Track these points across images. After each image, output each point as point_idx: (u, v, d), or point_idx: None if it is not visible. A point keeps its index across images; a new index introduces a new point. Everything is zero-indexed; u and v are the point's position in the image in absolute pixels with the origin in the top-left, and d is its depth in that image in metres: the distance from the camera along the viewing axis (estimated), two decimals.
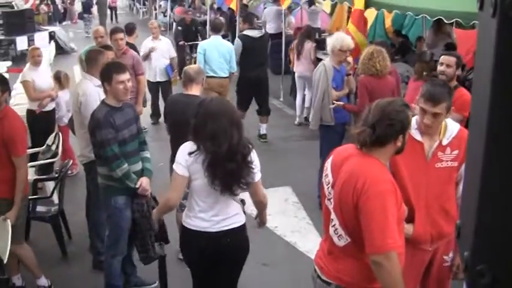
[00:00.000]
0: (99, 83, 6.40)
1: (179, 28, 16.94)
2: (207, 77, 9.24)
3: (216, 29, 11.08)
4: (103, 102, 5.76)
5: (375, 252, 3.37)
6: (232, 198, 4.63)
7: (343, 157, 3.76)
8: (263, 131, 11.66)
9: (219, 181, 4.43)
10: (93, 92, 6.43)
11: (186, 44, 16.38)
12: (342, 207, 3.60)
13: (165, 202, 4.79)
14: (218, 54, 10.69)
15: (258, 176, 4.64)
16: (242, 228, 4.76)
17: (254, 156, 4.62)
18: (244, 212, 4.81)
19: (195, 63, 12.49)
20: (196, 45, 13.38)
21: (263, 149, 10.84)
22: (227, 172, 4.41)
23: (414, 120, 4.29)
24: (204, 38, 15.38)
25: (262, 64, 11.47)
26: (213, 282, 4.87)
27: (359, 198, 3.44)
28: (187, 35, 16.63)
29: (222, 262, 4.74)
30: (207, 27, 17.48)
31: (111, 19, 34.01)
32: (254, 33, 11.34)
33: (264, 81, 11.47)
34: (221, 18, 13.28)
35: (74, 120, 6.86)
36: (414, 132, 4.26)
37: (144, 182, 5.75)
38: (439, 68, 6.72)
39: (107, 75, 5.63)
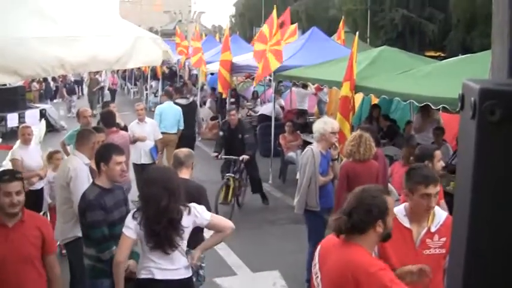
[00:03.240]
0: (88, 161, 6.49)
1: (221, 133, 12.81)
2: (162, 133, 12.85)
3: (168, 96, 14.88)
4: (93, 183, 5.80)
5: None
6: (180, 254, 5.14)
7: (328, 248, 3.77)
8: None
9: (151, 240, 4.99)
10: (84, 168, 6.52)
11: (223, 157, 12.25)
12: None
13: (113, 261, 5.15)
14: (170, 116, 13.77)
15: (205, 218, 5.17)
16: (187, 281, 5.28)
17: (186, 219, 5.06)
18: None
19: (233, 190, 11.68)
20: (239, 162, 12.01)
21: (251, 233, 10.80)
22: (154, 233, 4.96)
23: (403, 207, 4.32)
24: (251, 150, 12.29)
25: (191, 125, 14.98)
26: None
27: None
28: (232, 145, 12.27)
29: None
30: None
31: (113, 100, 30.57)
32: (183, 101, 15.12)
33: (191, 138, 14.57)
34: (170, 88, 16.87)
35: (58, 196, 6.82)
36: (403, 218, 4.29)
37: (131, 265, 5.68)
38: None
39: (105, 155, 5.70)
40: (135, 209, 5.10)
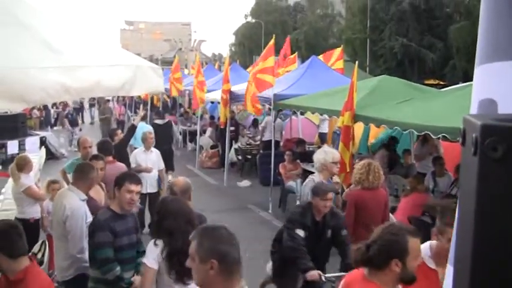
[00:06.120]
0: (85, 197, 6.44)
1: (300, 233, 6.92)
2: (134, 147, 13.81)
3: (142, 119, 16.15)
4: (108, 207, 5.97)
5: None
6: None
7: (351, 282, 3.72)
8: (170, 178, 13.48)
9: (175, 271, 5.02)
10: (81, 206, 6.39)
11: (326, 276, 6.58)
12: None
13: None
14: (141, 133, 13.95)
15: None
16: None
17: None
18: None
19: None
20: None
21: (249, 263, 10.72)
22: (181, 264, 4.78)
23: (428, 247, 4.23)
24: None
25: (168, 141, 16.76)
26: None
27: None
28: (316, 249, 6.96)
29: None
30: None
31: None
32: (160, 121, 17.69)
33: (169, 152, 15.86)
34: (143, 112, 17.86)
35: (55, 230, 6.69)
36: (428, 259, 4.19)
37: (137, 280, 5.79)
38: None
39: (119, 181, 5.85)
40: (154, 239, 5.19)
